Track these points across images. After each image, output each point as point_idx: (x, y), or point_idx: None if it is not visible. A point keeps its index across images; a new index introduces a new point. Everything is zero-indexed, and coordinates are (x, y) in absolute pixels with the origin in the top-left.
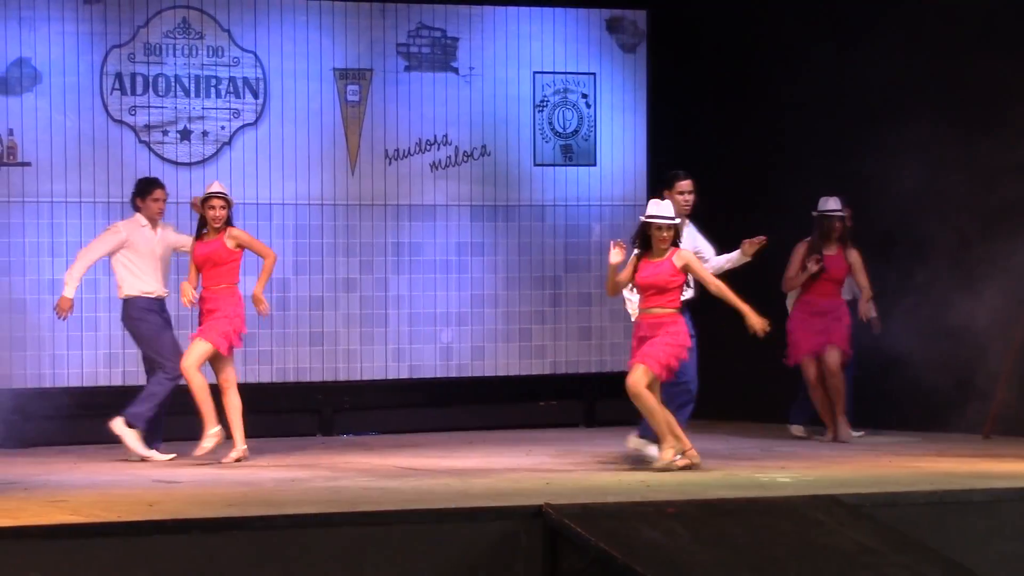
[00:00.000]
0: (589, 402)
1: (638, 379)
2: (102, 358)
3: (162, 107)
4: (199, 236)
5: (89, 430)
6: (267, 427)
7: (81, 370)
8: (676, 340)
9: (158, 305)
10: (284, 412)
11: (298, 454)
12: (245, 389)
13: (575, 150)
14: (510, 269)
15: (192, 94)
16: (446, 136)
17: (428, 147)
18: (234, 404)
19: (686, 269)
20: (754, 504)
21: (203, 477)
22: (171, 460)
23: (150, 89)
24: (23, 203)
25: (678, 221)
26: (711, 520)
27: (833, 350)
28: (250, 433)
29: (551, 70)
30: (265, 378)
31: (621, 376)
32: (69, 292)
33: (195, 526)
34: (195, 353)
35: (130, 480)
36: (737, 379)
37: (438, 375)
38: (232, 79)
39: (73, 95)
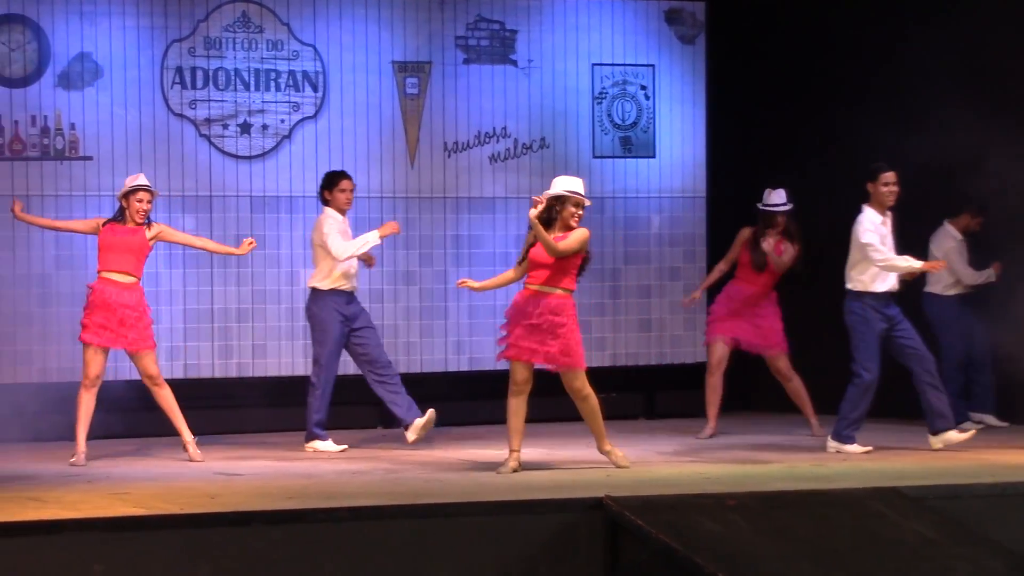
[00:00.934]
0: (649, 394)
1: None
2: (164, 351)
3: (222, 101)
4: (112, 221)
5: (151, 423)
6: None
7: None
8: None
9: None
10: (345, 404)
11: (359, 447)
12: (305, 383)
13: (634, 142)
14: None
15: (252, 88)
16: (505, 128)
17: (487, 140)
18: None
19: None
20: (815, 496)
21: (264, 469)
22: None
23: (210, 83)
24: (85, 197)
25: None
26: (771, 512)
27: (780, 356)
28: None
29: (610, 62)
30: None
31: (681, 368)
32: (374, 238)
33: (256, 518)
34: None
35: (192, 472)
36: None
37: (498, 367)
38: (292, 72)
39: (134, 89)
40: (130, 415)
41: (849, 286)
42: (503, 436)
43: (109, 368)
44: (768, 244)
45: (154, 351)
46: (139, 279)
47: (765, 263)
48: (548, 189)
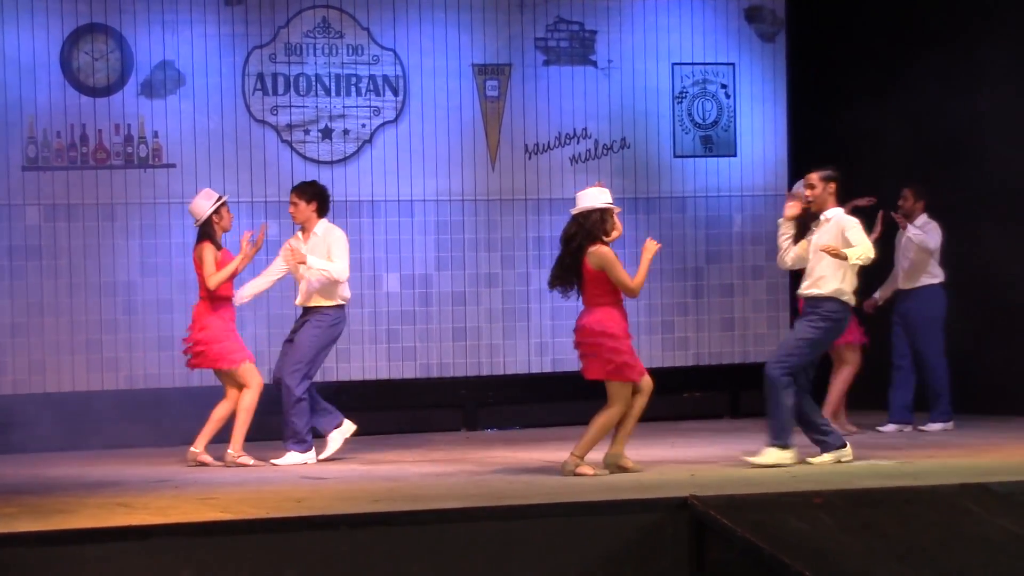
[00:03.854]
0: (733, 393)
1: None
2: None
3: (303, 106)
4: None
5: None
6: (412, 422)
7: None
8: None
9: None
10: (428, 408)
11: (443, 449)
12: (390, 385)
13: (715, 141)
14: (654, 261)
15: (333, 93)
16: (585, 129)
17: (568, 141)
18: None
19: None
20: (901, 493)
21: (350, 473)
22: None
23: (291, 89)
24: (168, 204)
25: None
26: (858, 510)
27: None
28: (394, 429)
29: (690, 61)
30: (409, 374)
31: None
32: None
33: (343, 522)
34: None
35: (278, 477)
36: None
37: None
38: (372, 77)
39: (216, 96)
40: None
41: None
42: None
43: (193, 375)
44: None
45: None
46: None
47: None
48: (612, 193)
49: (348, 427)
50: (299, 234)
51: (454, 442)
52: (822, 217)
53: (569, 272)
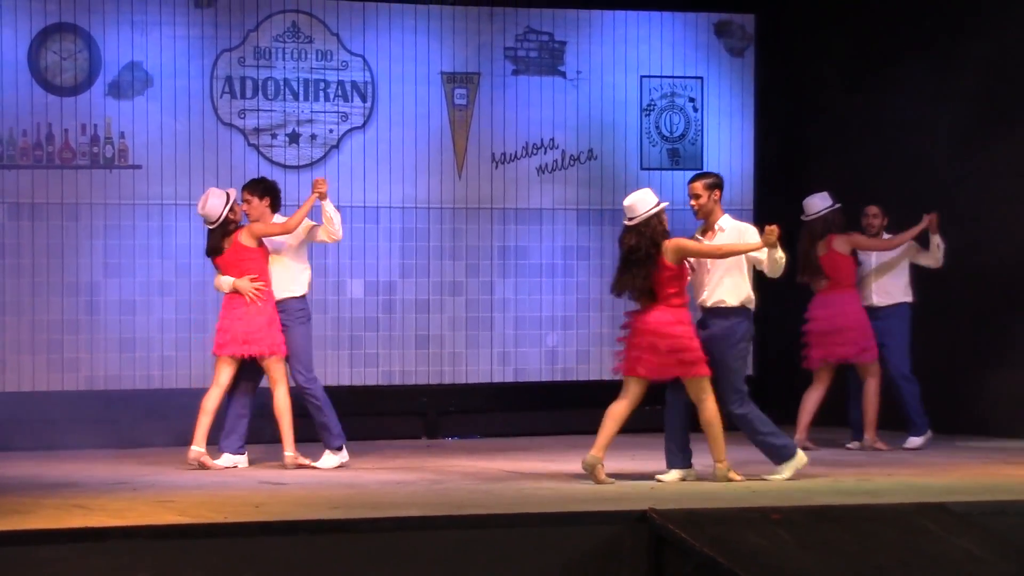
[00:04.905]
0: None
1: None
2: (210, 360)
3: (271, 110)
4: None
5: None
6: (372, 430)
7: (189, 371)
8: None
9: None
10: (390, 415)
11: (403, 457)
12: (352, 392)
13: (682, 154)
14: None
15: (301, 97)
16: (553, 140)
17: (535, 151)
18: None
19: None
20: (860, 511)
21: (308, 479)
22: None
23: (259, 92)
24: (134, 205)
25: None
26: (817, 526)
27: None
28: (355, 436)
29: (658, 74)
30: (371, 381)
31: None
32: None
33: (301, 528)
34: None
35: (237, 482)
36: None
37: (543, 379)
38: (341, 83)
39: (184, 98)
40: (177, 423)
41: None
42: (548, 448)
43: (154, 376)
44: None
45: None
46: None
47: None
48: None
49: (242, 462)
50: None
51: (415, 450)
52: (716, 227)
53: (644, 282)
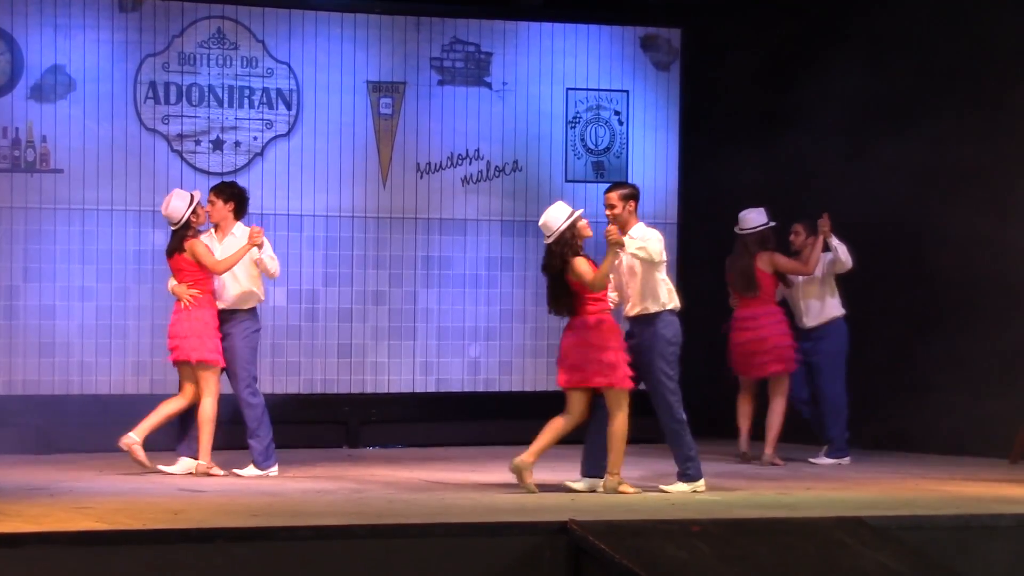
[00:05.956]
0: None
1: None
2: (130, 366)
3: (195, 117)
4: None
5: (116, 438)
6: (293, 438)
7: (109, 378)
8: None
9: None
10: (311, 423)
11: (324, 466)
12: (273, 400)
13: (607, 167)
14: (540, 285)
15: (225, 104)
16: (478, 151)
17: (460, 161)
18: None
19: None
20: (778, 524)
21: (228, 486)
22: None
23: (183, 98)
24: (55, 210)
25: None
26: (735, 539)
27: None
28: (277, 444)
29: (584, 87)
30: (292, 389)
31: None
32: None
33: (220, 535)
34: None
35: (155, 488)
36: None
37: (465, 389)
38: (265, 90)
39: (107, 103)
40: (95, 430)
41: None
42: (469, 458)
43: (73, 382)
44: None
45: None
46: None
47: None
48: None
49: (200, 468)
50: (213, 232)
51: (335, 459)
52: (628, 236)
53: (562, 297)
